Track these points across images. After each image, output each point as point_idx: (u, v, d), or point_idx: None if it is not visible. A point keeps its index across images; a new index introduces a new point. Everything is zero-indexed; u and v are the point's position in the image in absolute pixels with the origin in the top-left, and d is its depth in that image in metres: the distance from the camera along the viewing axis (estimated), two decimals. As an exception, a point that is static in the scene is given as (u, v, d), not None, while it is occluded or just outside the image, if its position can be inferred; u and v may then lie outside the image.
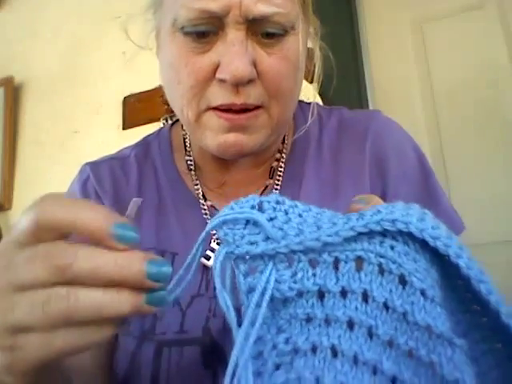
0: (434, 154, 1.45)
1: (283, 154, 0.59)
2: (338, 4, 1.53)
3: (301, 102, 0.64)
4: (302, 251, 0.29)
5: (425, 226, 0.27)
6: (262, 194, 0.57)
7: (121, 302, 0.28)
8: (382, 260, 0.27)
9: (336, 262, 0.28)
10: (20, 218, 0.30)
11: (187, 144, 0.61)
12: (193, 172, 0.59)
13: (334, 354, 0.27)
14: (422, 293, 0.26)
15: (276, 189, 0.56)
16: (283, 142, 0.60)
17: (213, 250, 0.53)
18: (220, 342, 0.49)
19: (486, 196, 1.38)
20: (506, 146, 1.40)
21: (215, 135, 0.48)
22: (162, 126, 1.46)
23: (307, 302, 0.28)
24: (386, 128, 0.60)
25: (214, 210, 0.57)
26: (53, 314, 0.27)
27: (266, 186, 0.57)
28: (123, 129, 1.56)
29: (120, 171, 0.60)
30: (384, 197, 0.55)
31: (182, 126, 0.63)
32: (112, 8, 1.67)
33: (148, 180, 0.59)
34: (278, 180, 0.57)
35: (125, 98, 1.58)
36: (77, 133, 1.62)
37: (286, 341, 0.28)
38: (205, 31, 0.46)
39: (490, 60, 1.47)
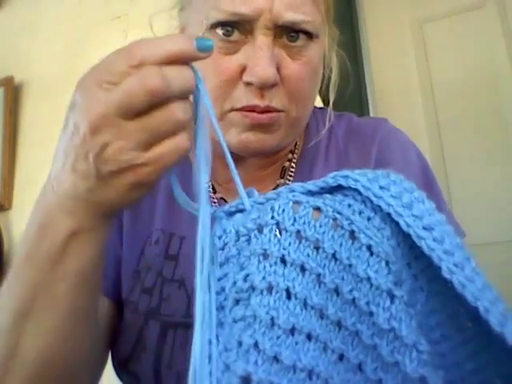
0: (433, 154, 1.45)
1: (295, 155, 0.60)
2: (338, 4, 1.53)
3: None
4: (274, 199, 0.32)
5: (371, 186, 0.30)
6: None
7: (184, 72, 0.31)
8: (337, 215, 0.30)
9: (296, 203, 0.30)
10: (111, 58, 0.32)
11: None
12: None
13: (288, 296, 0.29)
14: (368, 248, 0.29)
15: None
16: (295, 144, 0.61)
17: None
18: None
19: (486, 196, 1.38)
20: (506, 145, 1.40)
21: (238, 133, 0.50)
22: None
23: (265, 236, 0.30)
24: (393, 136, 0.62)
25: (223, 201, 0.58)
26: (148, 86, 0.30)
27: (277, 185, 0.59)
28: (123, 129, 1.56)
29: None
30: None
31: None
32: (112, 8, 1.67)
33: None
34: (289, 180, 0.58)
35: (125, 97, 1.58)
36: (77, 133, 1.62)
37: (245, 278, 0.29)
38: (234, 35, 0.47)
39: (489, 60, 1.47)
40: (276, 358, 0.27)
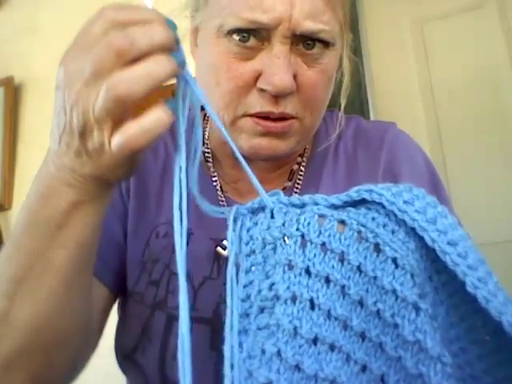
0: (434, 154, 1.45)
1: (304, 158, 0.61)
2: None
3: None
4: (297, 205, 0.32)
5: (396, 200, 0.30)
6: None
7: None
8: (361, 228, 0.30)
9: (321, 216, 0.31)
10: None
11: (206, 136, 0.63)
12: (210, 164, 0.61)
13: (312, 306, 0.29)
14: (394, 261, 0.29)
15: (296, 192, 0.58)
16: (304, 148, 0.62)
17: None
18: None
19: (486, 196, 1.38)
20: (506, 145, 1.40)
21: (249, 138, 0.50)
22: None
23: (290, 247, 0.30)
24: (401, 140, 0.63)
25: (230, 199, 0.59)
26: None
27: (285, 187, 0.59)
28: (123, 129, 1.56)
29: (150, 151, 0.61)
30: None
31: (205, 117, 0.64)
32: (112, 8, 1.67)
33: (171, 160, 0.61)
34: (299, 183, 0.59)
35: (125, 97, 1.57)
36: (77, 133, 1.61)
37: (270, 287, 0.30)
38: (250, 42, 0.47)
39: (489, 60, 1.47)
40: (298, 367, 0.27)
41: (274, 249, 0.31)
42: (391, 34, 1.59)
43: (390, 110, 1.52)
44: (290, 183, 0.60)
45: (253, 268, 0.31)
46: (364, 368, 0.28)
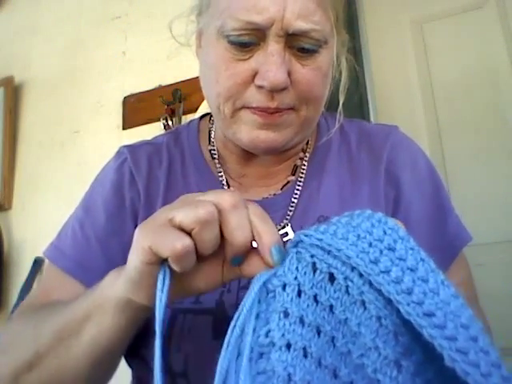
0: (434, 154, 1.45)
1: (306, 153, 0.64)
2: (337, 4, 1.52)
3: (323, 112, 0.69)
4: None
5: (372, 271, 0.31)
6: (282, 187, 0.62)
7: None
8: (349, 284, 0.31)
9: (314, 265, 0.32)
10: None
11: (212, 136, 0.66)
12: (216, 160, 0.64)
13: (305, 354, 0.30)
14: (378, 319, 0.30)
15: (299, 185, 0.61)
16: (306, 143, 0.65)
17: None
18: (232, 315, 0.52)
19: (486, 196, 1.38)
20: (506, 145, 1.40)
21: (249, 130, 0.54)
22: (162, 126, 1.45)
23: (288, 295, 0.32)
24: (403, 142, 0.66)
25: None
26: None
27: (288, 182, 0.62)
28: (123, 129, 1.56)
29: (155, 156, 0.65)
30: (397, 205, 0.61)
31: (210, 118, 0.68)
32: (112, 8, 1.67)
33: (176, 165, 0.64)
34: (301, 177, 0.62)
35: (125, 98, 1.58)
36: (77, 133, 1.62)
37: (266, 333, 0.31)
38: (247, 42, 0.51)
39: (490, 60, 1.46)
40: None
41: (274, 297, 0.32)
42: (391, 34, 1.59)
43: (390, 110, 1.52)
44: (293, 177, 0.62)
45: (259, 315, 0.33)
46: None
